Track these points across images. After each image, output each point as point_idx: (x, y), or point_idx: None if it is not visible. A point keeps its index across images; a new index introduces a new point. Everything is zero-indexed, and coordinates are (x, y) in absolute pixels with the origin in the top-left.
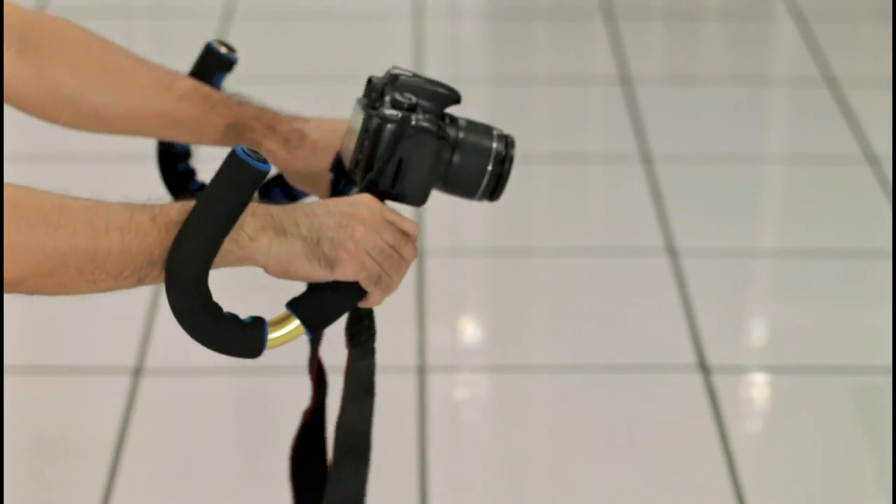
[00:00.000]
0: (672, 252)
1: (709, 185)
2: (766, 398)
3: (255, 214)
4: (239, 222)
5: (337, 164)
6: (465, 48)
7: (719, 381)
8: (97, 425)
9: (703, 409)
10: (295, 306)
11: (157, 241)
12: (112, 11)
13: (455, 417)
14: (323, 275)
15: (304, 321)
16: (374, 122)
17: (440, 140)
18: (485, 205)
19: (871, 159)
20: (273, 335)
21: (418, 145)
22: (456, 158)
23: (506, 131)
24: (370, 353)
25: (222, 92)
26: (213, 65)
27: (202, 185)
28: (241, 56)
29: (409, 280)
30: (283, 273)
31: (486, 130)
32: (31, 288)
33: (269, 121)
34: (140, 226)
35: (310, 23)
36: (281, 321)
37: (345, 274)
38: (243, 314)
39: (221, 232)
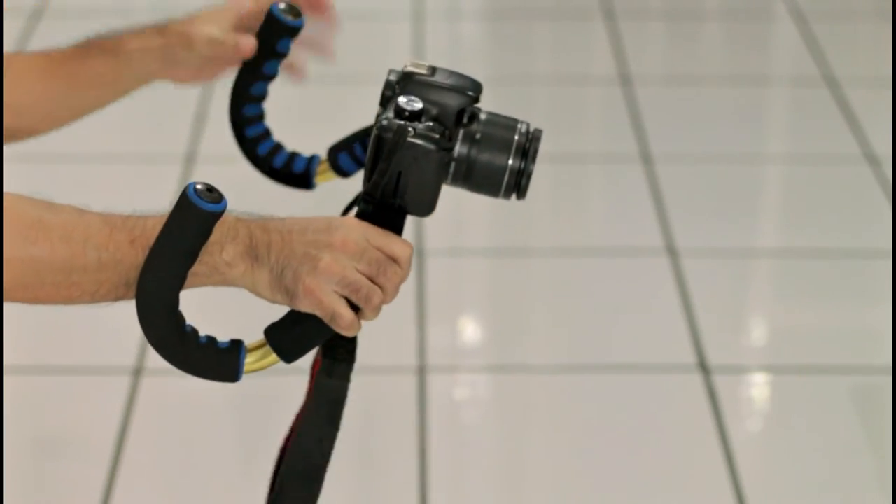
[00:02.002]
0: (672, 252)
1: (709, 185)
2: (766, 398)
3: (236, 239)
4: (218, 247)
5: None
6: (465, 48)
7: (719, 381)
8: (97, 425)
9: (703, 409)
10: (270, 334)
11: (134, 264)
12: (112, 11)
13: (455, 417)
14: (287, 304)
15: (277, 351)
16: (374, 131)
17: (441, 152)
18: (484, 205)
19: (871, 159)
20: (250, 361)
21: (416, 158)
22: (474, 155)
23: (532, 125)
24: (344, 376)
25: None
26: (276, 32)
27: (277, 145)
28: None
29: (409, 280)
30: (258, 296)
31: (509, 124)
32: (7, 298)
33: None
34: (118, 246)
35: (309, 23)
36: (258, 347)
37: (303, 307)
38: (239, 328)
39: (181, 268)
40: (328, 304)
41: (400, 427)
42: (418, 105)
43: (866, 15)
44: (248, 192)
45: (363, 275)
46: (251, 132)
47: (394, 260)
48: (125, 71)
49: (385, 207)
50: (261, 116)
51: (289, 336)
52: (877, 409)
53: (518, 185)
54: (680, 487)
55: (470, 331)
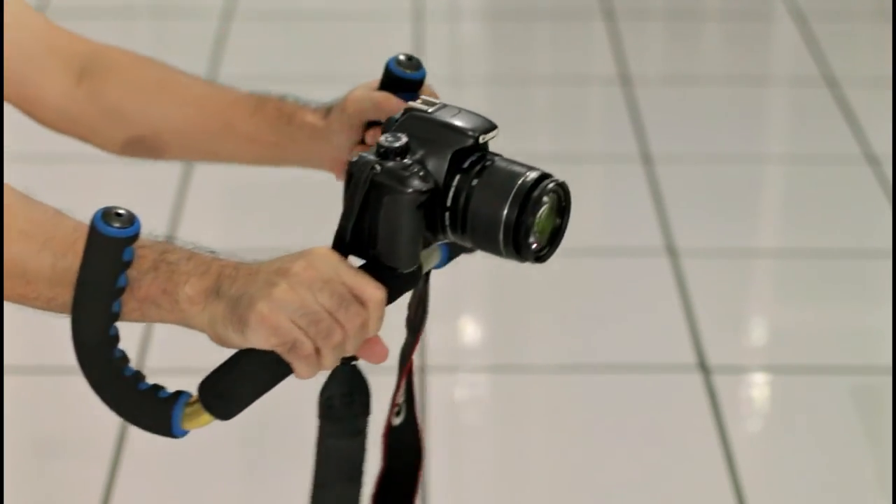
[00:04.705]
0: (672, 252)
1: (709, 185)
2: (766, 398)
3: (205, 274)
4: (184, 279)
5: None
6: (465, 48)
7: (719, 381)
8: (97, 425)
9: (703, 409)
10: (201, 389)
11: None
12: (112, 11)
13: (455, 417)
14: (239, 341)
15: (208, 407)
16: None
17: (410, 194)
18: None
19: (871, 159)
20: (187, 415)
21: (381, 200)
22: (469, 204)
23: (558, 177)
24: (354, 432)
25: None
26: (394, 88)
27: None
28: (241, 56)
29: None
30: (217, 340)
31: (514, 171)
32: None
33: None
34: (79, 257)
35: (309, 23)
36: (195, 402)
37: (255, 339)
38: None
39: (102, 301)
40: (286, 331)
41: None
42: (399, 142)
43: (866, 15)
44: (243, 192)
45: (325, 308)
46: None
47: (361, 301)
48: (288, 143)
49: (364, 255)
50: None
51: (222, 387)
52: (877, 409)
53: (516, 242)
54: (680, 487)
55: (470, 331)
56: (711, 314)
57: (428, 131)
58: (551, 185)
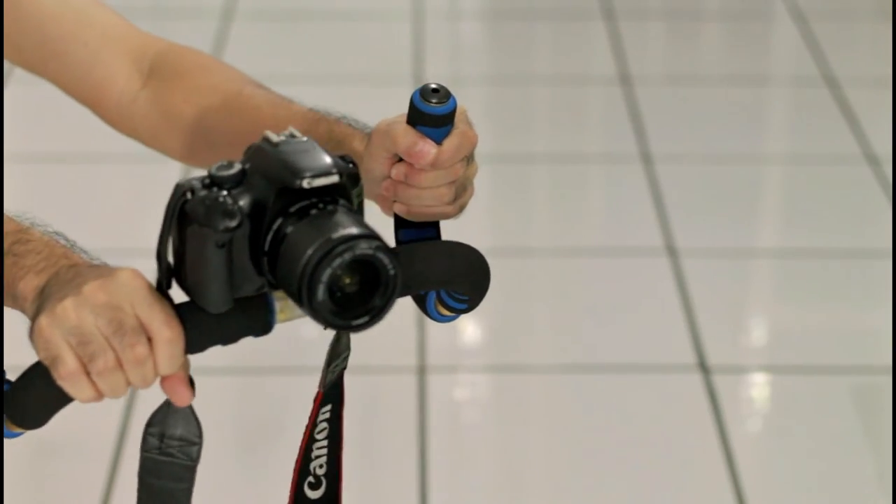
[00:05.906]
0: (672, 252)
1: (709, 185)
2: (766, 398)
3: (42, 272)
4: (22, 274)
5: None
6: (465, 48)
7: (719, 381)
8: (97, 425)
9: (703, 409)
10: (6, 395)
11: None
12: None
13: (455, 417)
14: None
15: (11, 417)
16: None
17: (206, 229)
18: (485, 204)
19: (871, 159)
20: (7, 423)
21: (186, 232)
22: (280, 251)
23: (388, 247)
24: (177, 478)
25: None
26: (419, 122)
27: None
28: (241, 56)
29: None
30: None
31: (337, 223)
32: None
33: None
34: None
35: (310, 23)
36: None
37: (36, 351)
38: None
39: None
40: (52, 347)
41: (400, 427)
42: (229, 171)
43: (866, 15)
44: None
45: (101, 332)
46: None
47: (148, 336)
48: None
49: (183, 288)
50: None
51: (17, 398)
52: (877, 409)
53: (310, 293)
54: (680, 487)
55: (470, 331)
56: (711, 314)
57: (267, 165)
58: (367, 247)
